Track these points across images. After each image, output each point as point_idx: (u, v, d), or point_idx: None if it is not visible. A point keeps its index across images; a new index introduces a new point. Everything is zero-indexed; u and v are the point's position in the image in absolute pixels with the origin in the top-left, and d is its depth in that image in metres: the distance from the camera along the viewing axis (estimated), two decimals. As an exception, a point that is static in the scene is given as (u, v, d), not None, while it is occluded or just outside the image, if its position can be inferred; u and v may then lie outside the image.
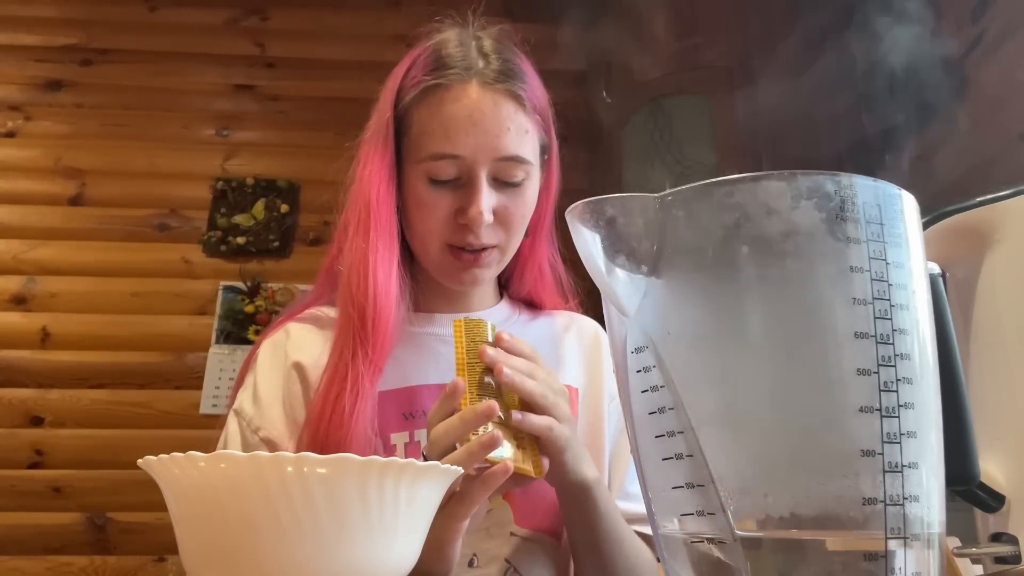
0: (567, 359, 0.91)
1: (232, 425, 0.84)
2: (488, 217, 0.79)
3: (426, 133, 0.81)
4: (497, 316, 0.92)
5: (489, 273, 0.86)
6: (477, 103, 0.80)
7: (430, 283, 0.89)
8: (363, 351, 0.78)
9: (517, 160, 0.80)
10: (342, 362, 0.78)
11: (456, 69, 0.81)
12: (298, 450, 0.74)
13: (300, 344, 0.87)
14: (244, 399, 0.85)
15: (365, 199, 0.84)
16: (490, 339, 0.70)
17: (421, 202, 0.82)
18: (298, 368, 0.85)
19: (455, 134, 0.79)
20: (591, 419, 0.88)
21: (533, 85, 0.85)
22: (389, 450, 0.79)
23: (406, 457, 0.76)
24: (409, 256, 0.88)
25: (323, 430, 0.75)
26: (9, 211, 2.68)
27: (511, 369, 0.67)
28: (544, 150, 0.87)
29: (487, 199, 0.79)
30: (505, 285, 0.98)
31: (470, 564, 0.78)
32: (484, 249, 0.82)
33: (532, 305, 0.98)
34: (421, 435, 0.80)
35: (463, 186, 0.80)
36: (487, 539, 0.79)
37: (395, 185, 0.84)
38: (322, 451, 0.67)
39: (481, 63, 0.82)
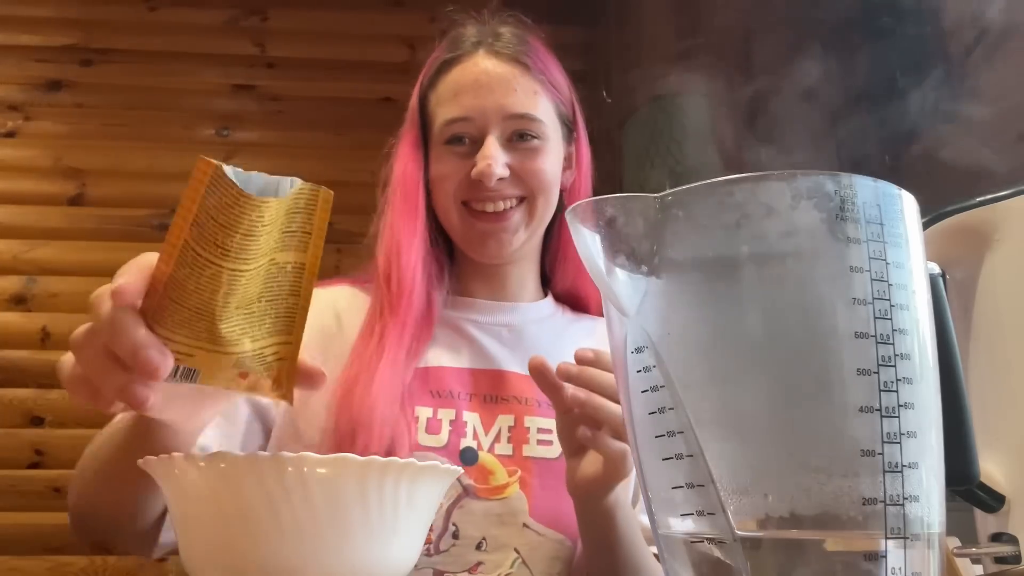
0: None
1: None
2: (498, 169, 0.81)
3: (441, 104, 0.85)
4: (539, 312, 0.93)
5: (516, 238, 0.85)
6: (483, 68, 0.84)
7: (468, 268, 0.90)
8: (392, 321, 0.80)
9: (527, 118, 0.83)
10: (369, 329, 0.82)
11: (467, 44, 0.86)
12: (327, 414, 0.75)
13: (346, 303, 0.88)
14: None
15: (395, 177, 0.87)
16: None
17: (440, 170, 0.85)
18: (338, 317, 0.87)
19: (463, 97, 0.83)
20: None
21: (545, 60, 0.87)
22: (412, 421, 0.80)
23: (426, 429, 0.78)
24: (447, 241, 0.89)
25: (350, 399, 0.76)
26: (9, 211, 2.68)
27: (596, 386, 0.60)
28: (565, 121, 0.89)
29: (496, 151, 0.81)
30: (548, 280, 0.97)
31: (478, 547, 0.78)
32: (509, 209, 0.84)
33: (578, 305, 0.97)
34: (444, 413, 0.81)
35: (475, 149, 0.83)
36: (499, 525, 0.78)
37: (423, 165, 0.87)
38: (348, 420, 0.67)
39: (491, 39, 0.86)
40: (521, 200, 0.85)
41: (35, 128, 2.78)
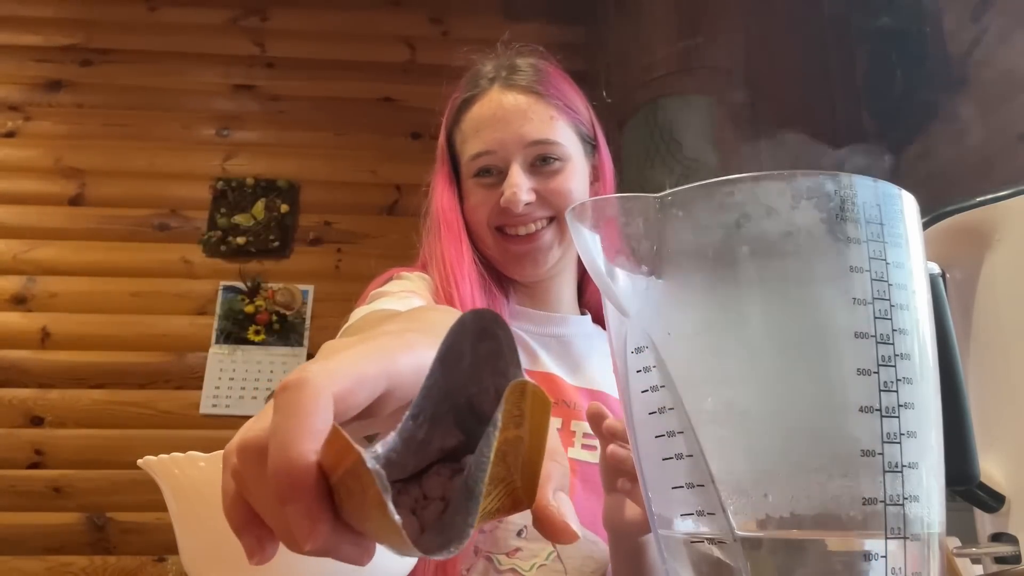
0: None
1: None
2: (523, 195, 0.86)
3: (465, 141, 0.91)
4: (584, 328, 0.97)
5: (550, 256, 0.90)
6: (499, 101, 0.89)
7: (516, 285, 0.95)
8: None
9: (546, 143, 0.88)
10: None
11: (483, 81, 0.92)
12: None
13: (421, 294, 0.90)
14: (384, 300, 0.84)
15: (435, 210, 0.93)
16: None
17: (474, 201, 0.91)
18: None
19: (484, 132, 0.89)
20: None
21: (560, 85, 0.92)
22: None
23: None
24: (488, 262, 0.93)
25: None
26: (9, 211, 2.68)
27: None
28: (586, 138, 0.94)
29: (520, 181, 0.86)
30: (582, 299, 1.01)
31: (518, 533, 0.80)
32: (538, 231, 0.88)
33: None
34: None
35: (503, 179, 0.88)
36: None
37: (457, 195, 0.93)
38: None
39: (505, 72, 0.92)
40: (551, 220, 0.89)
41: (35, 128, 2.78)
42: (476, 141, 0.89)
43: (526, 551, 0.79)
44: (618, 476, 0.63)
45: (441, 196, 0.93)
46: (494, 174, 0.89)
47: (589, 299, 1.01)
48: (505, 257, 0.91)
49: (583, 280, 1.00)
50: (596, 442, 0.80)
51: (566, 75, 0.95)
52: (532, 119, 0.88)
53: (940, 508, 0.35)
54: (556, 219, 0.89)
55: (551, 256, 0.90)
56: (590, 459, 0.85)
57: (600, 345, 0.96)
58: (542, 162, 0.88)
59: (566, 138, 0.90)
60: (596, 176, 0.96)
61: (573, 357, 0.92)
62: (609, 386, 0.91)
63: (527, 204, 0.86)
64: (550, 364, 0.90)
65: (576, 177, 0.90)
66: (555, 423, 0.85)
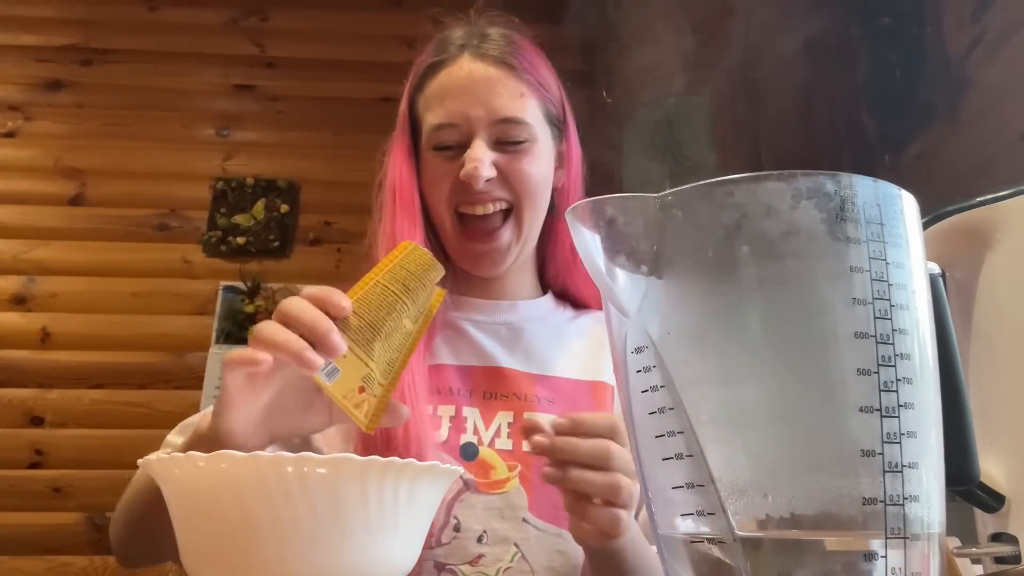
0: (606, 356, 0.91)
1: None
2: (485, 170, 0.81)
3: (429, 107, 0.85)
4: (537, 310, 0.93)
5: (507, 256, 0.86)
6: (468, 72, 0.84)
7: (466, 271, 0.91)
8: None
9: (513, 121, 0.83)
10: None
11: (452, 47, 0.86)
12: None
13: None
14: None
15: (389, 183, 0.87)
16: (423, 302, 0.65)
17: (432, 175, 0.86)
18: None
19: (449, 103, 0.83)
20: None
21: (532, 60, 0.87)
22: (436, 419, 0.82)
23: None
24: (443, 247, 0.90)
25: None
26: (9, 211, 2.68)
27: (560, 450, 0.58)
28: (554, 121, 0.89)
29: (483, 152, 0.81)
30: (543, 277, 0.98)
31: (479, 540, 0.78)
32: (494, 231, 0.84)
33: (577, 303, 0.98)
34: (444, 410, 0.83)
35: (464, 152, 0.83)
36: (499, 519, 0.79)
37: (415, 169, 0.88)
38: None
39: (476, 41, 0.86)
40: (508, 212, 0.85)
41: (35, 128, 2.78)
42: (440, 111, 0.83)
43: (489, 556, 0.78)
44: (566, 494, 0.60)
45: (398, 168, 0.87)
46: (455, 148, 0.83)
47: (552, 277, 0.96)
48: (462, 252, 0.87)
49: (545, 265, 0.96)
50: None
51: (539, 50, 0.90)
52: (501, 94, 0.82)
53: (940, 508, 0.35)
54: (514, 209, 0.84)
55: (510, 256, 0.86)
56: None
57: (557, 323, 0.93)
58: (507, 141, 0.83)
59: (534, 118, 0.85)
60: (561, 162, 0.91)
61: (524, 343, 0.89)
62: (563, 369, 0.88)
63: (487, 180, 0.81)
64: (500, 356, 0.87)
65: (541, 160, 0.85)
66: (506, 417, 0.83)
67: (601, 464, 0.57)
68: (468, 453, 0.81)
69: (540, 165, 0.85)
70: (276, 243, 2.73)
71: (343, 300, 0.59)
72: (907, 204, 0.37)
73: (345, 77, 2.90)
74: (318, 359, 0.56)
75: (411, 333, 0.64)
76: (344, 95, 2.88)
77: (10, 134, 2.76)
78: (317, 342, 0.57)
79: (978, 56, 1.24)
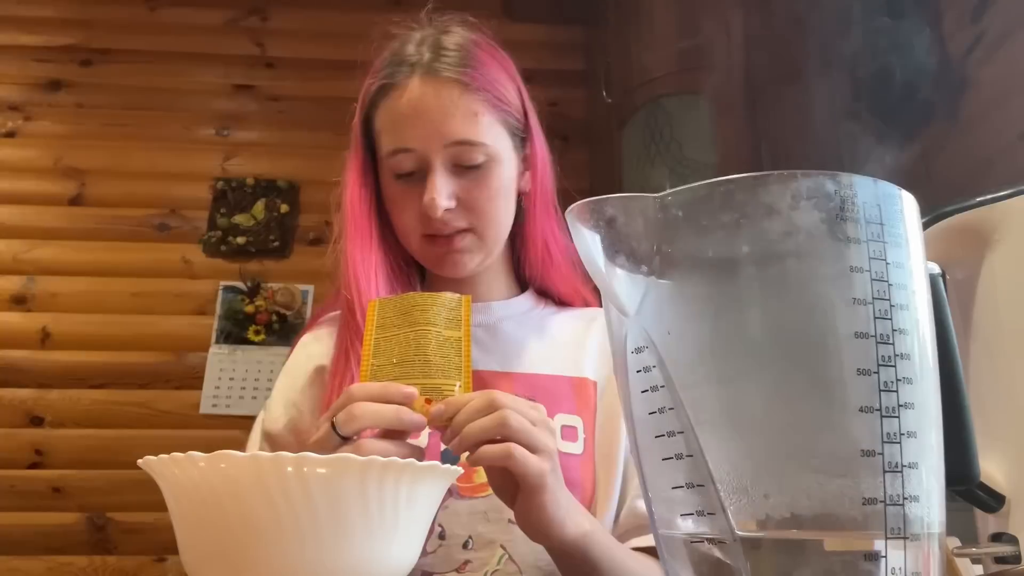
0: (589, 351, 0.91)
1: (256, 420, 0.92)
2: (443, 203, 0.80)
3: (383, 131, 0.85)
4: (513, 309, 0.93)
5: (471, 259, 0.86)
6: (419, 95, 0.82)
7: (437, 276, 0.91)
8: (359, 341, 0.80)
9: (469, 143, 0.82)
10: (342, 355, 0.84)
11: (404, 66, 0.84)
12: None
13: (318, 350, 0.91)
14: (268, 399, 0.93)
15: (345, 206, 0.89)
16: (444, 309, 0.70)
17: (392, 199, 0.86)
18: (320, 372, 0.89)
19: (403, 128, 0.82)
20: (609, 413, 0.87)
21: (486, 70, 0.85)
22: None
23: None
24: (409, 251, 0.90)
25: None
26: (9, 211, 2.68)
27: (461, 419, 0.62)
28: (515, 130, 0.88)
29: (441, 186, 0.81)
30: (522, 274, 0.97)
31: (464, 545, 0.78)
32: (457, 233, 0.84)
33: (558, 299, 0.97)
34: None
35: (424, 177, 0.82)
36: (484, 523, 0.78)
37: (371, 185, 0.88)
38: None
39: (428, 56, 0.84)
40: (471, 229, 0.85)
41: (35, 128, 2.78)
42: (393, 136, 0.83)
43: (476, 561, 0.77)
44: (491, 477, 0.66)
45: (353, 188, 0.88)
46: (415, 174, 0.83)
47: (530, 276, 0.96)
48: (426, 256, 0.87)
49: (521, 267, 0.95)
50: None
51: (496, 51, 0.88)
52: (454, 115, 0.81)
53: (940, 508, 0.35)
54: (476, 230, 0.84)
55: (472, 259, 0.86)
56: None
57: (536, 320, 0.93)
58: (464, 165, 0.82)
59: (492, 135, 0.83)
60: (527, 165, 0.90)
61: (502, 342, 0.89)
62: (542, 365, 0.88)
63: (447, 211, 0.81)
64: (476, 358, 0.85)
65: (502, 176, 0.84)
66: None
67: (500, 432, 0.60)
68: (448, 458, 0.81)
69: (501, 180, 0.85)
70: (276, 243, 2.73)
71: (403, 388, 0.63)
72: (907, 204, 0.37)
73: (345, 77, 2.88)
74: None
75: (458, 338, 0.69)
76: (344, 95, 2.87)
77: (10, 134, 2.76)
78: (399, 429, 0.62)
79: (978, 56, 1.24)
